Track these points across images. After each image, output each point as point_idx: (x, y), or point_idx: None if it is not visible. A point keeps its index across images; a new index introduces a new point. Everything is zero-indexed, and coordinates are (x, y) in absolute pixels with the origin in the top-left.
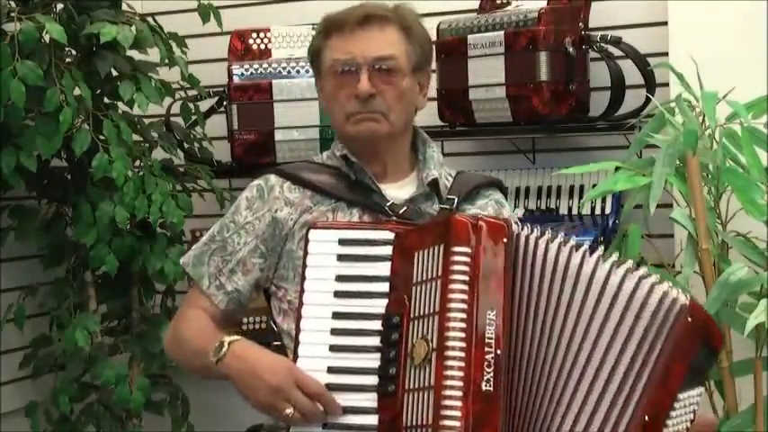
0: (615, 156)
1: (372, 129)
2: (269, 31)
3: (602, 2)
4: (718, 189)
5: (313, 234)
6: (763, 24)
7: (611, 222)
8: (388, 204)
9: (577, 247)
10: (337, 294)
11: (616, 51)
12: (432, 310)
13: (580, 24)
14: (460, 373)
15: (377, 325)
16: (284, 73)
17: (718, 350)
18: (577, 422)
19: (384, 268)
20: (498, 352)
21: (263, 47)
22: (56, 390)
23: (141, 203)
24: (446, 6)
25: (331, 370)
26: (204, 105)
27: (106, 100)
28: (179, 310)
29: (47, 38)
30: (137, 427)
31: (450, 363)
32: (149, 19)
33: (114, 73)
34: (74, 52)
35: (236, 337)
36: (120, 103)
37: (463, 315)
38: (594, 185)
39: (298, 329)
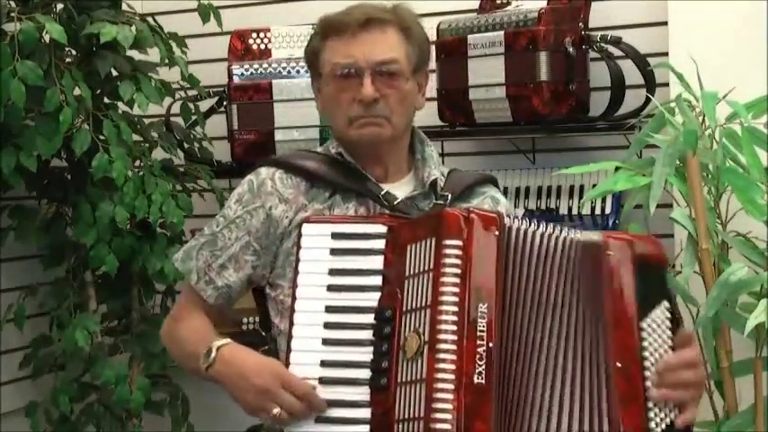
0: (615, 156)
1: (376, 133)
2: (269, 31)
3: (602, 2)
4: (718, 189)
5: (306, 228)
6: (763, 24)
7: (611, 222)
8: (382, 193)
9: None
10: (330, 288)
11: (616, 51)
12: (424, 304)
13: (580, 24)
14: (452, 366)
15: (370, 318)
16: (284, 73)
17: (658, 261)
18: (562, 408)
19: (377, 262)
20: (490, 345)
21: (263, 47)
22: (56, 390)
23: (141, 203)
24: (446, 6)
25: (324, 363)
26: (204, 105)
27: (106, 100)
28: (174, 305)
29: (47, 38)
30: (137, 427)
31: (441, 356)
32: (149, 19)
33: (114, 73)
34: (74, 52)
35: (225, 340)
36: (120, 103)
37: (455, 308)
38: (594, 185)
39: (291, 323)
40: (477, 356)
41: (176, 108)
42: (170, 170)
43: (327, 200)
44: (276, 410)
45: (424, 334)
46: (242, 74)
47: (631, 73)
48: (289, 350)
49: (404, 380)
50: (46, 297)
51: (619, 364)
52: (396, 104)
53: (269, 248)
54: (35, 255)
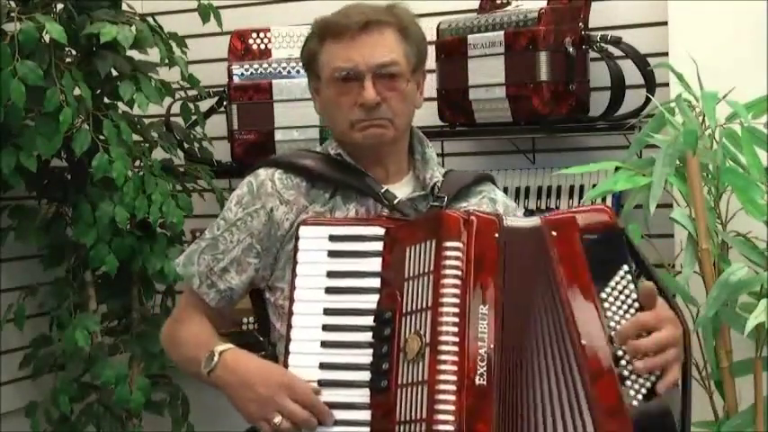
0: (615, 156)
1: (379, 134)
2: (269, 31)
3: (602, 2)
4: (718, 189)
5: (303, 231)
6: (763, 24)
7: None
8: (382, 191)
9: None
10: (328, 291)
11: (616, 51)
12: (424, 305)
13: (580, 24)
14: (454, 368)
15: (368, 321)
16: (284, 73)
17: (607, 228)
18: (552, 401)
19: (375, 264)
20: (491, 346)
21: (263, 47)
22: (56, 390)
23: (141, 203)
24: (446, 6)
25: (323, 366)
26: (204, 105)
27: (106, 100)
28: (175, 308)
29: (47, 38)
30: (137, 427)
31: (443, 357)
32: (149, 19)
33: (114, 73)
34: (74, 52)
35: (227, 345)
36: (120, 103)
37: (456, 310)
38: (594, 185)
39: (289, 326)
40: (479, 358)
41: (176, 108)
42: (170, 170)
43: (328, 201)
44: (278, 419)
45: (425, 335)
46: (242, 74)
47: (631, 73)
48: (287, 353)
49: (405, 382)
50: (46, 297)
51: (584, 342)
52: (397, 106)
53: (270, 250)
54: (35, 255)
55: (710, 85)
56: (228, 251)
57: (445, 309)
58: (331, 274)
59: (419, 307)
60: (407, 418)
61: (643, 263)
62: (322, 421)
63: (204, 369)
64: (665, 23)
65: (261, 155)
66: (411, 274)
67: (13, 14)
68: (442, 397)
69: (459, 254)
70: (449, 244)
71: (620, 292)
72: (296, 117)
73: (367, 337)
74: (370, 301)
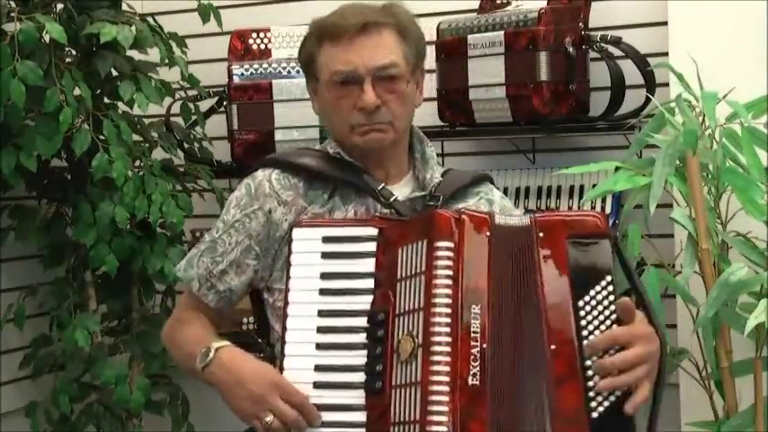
0: (615, 156)
1: (380, 138)
2: (269, 31)
3: (602, 2)
4: (718, 189)
5: (297, 233)
6: (763, 24)
7: (611, 222)
8: (379, 188)
9: None
10: (322, 292)
11: (616, 51)
12: (417, 306)
13: (580, 24)
14: (447, 368)
15: (363, 322)
16: (284, 73)
17: (596, 236)
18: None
19: (369, 264)
20: (484, 346)
21: (263, 47)
22: (56, 390)
23: (141, 203)
24: (446, 6)
25: (318, 368)
26: (204, 105)
27: (106, 100)
28: (176, 307)
29: (47, 38)
30: (137, 427)
31: (436, 358)
32: (149, 19)
33: (114, 73)
34: (74, 52)
35: (224, 342)
36: (120, 103)
37: (448, 310)
38: (594, 185)
39: (284, 328)
40: (472, 358)
41: (176, 108)
42: (170, 170)
43: (327, 202)
44: (269, 418)
45: (417, 336)
46: (242, 74)
47: (631, 73)
48: (282, 355)
49: (398, 383)
50: (46, 297)
51: (553, 347)
52: (397, 108)
53: (269, 251)
54: (35, 255)
55: (710, 85)
56: (227, 253)
57: (437, 309)
58: (325, 276)
59: (412, 308)
60: (402, 420)
61: (631, 275)
62: (310, 422)
63: (199, 364)
64: (665, 23)
65: (261, 155)
66: (404, 275)
67: (13, 14)
68: (435, 398)
69: (450, 253)
70: (440, 244)
71: (599, 302)
72: (296, 117)
73: (361, 338)
74: (364, 302)
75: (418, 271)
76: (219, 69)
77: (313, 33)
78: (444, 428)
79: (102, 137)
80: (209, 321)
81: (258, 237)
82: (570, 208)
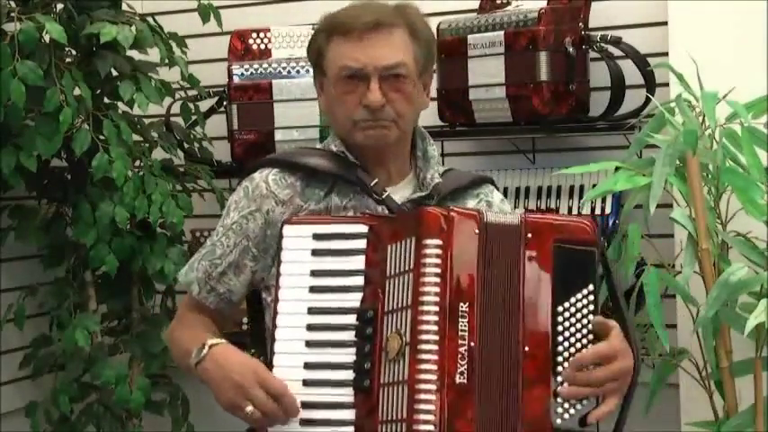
0: (615, 156)
1: (381, 135)
2: (269, 31)
3: (602, 2)
4: (718, 189)
5: (287, 230)
6: (763, 24)
7: (611, 222)
8: (372, 183)
9: None
10: (313, 290)
11: (616, 51)
12: (405, 304)
13: (580, 24)
14: (434, 367)
15: (352, 319)
16: (284, 73)
17: (583, 244)
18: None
19: (359, 262)
20: (472, 344)
21: (263, 47)
22: (56, 390)
23: (141, 203)
24: (446, 6)
25: (308, 366)
26: (204, 105)
27: (106, 100)
28: (178, 311)
29: (47, 38)
30: (137, 427)
31: (423, 356)
32: (149, 19)
33: (114, 73)
34: (74, 52)
35: (219, 340)
36: (120, 103)
37: (435, 308)
38: (594, 185)
39: (274, 326)
40: (459, 356)
41: (176, 108)
42: (170, 170)
43: (323, 199)
44: (249, 408)
45: (405, 334)
46: (242, 74)
47: (631, 73)
48: (272, 353)
49: (386, 381)
50: (46, 297)
51: (527, 348)
52: (402, 108)
53: (267, 251)
54: (35, 255)
55: (710, 85)
56: (225, 255)
57: (425, 307)
58: (315, 273)
59: (400, 305)
60: (389, 418)
61: (613, 288)
62: (287, 413)
63: (193, 360)
64: (665, 23)
65: (261, 155)
66: (392, 272)
67: (13, 14)
68: (421, 396)
69: (438, 251)
70: (428, 242)
71: (578, 310)
72: (296, 117)
73: (351, 335)
74: (354, 300)
75: (407, 269)
76: (219, 69)
77: (323, 28)
78: (431, 427)
79: (102, 137)
80: (211, 321)
81: (256, 238)
82: (570, 208)
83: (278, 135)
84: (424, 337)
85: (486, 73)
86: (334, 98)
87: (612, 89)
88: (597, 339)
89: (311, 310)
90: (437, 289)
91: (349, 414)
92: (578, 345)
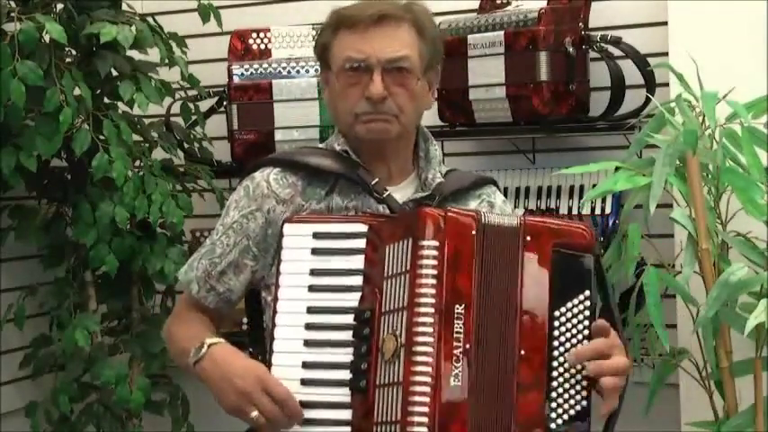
0: (615, 156)
1: (382, 129)
2: (269, 31)
3: (602, 2)
4: (718, 189)
5: (287, 228)
6: (763, 24)
7: (611, 222)
8: (373, 182)
9: None
10: (312, 289)
11: (616, 51)
12: (401, 305)
13: (580, 24)
14: (428, 369)
15: (350, 319)
16: (284, 73)
17: (581, 249)
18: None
19: (358, 261)
20: (467, 346)
21: (263, 47)
22: (56, 390)
23: (141, 203)
24: (446, 6)
25: (306, 365)
26: (204, 105)
27: (106, 100)
28: (175, 306)
29: (47, 38)
30: (137, 427)
31: (417, 358)
32: (149, 19)
33: (114, 73)
34: (74, 52)
35: (217, 339)
36: (120, 103)
37: (431, 310)
38: (594, 185)
39: (273, 324)
40: (454, 358)
41: (176, 108)
42: (170, 170)
43: (324, 198)
44: (255, 414)
45: (400, 336)
46: (242, 74)
47: (631, 73)
48: (271, 351)
49: (382, 382)
50: (46, 297)
51: (522, 352)
52: (404, 103)
53: (268, 251)
54: (35, 255)
55: (710, 85)
56: (225, 254)
57: (421, 309)
58: (314, 272)
59: (396, 306)
60: (384, 419)
61: (607, 296)
62: (291, 419)
63: (192, 359)
64: (665, 23)
65: (261, 155)
66: (390, 273)
67: (13, 14)
68: (416, 398)
69: (434, 252)
70: (425, 243)
71: (575, 315)
72: (296, 117)
73: (348, 336)
74: (353, 300)
75: (403, 270)
76: (219, 69)
77: (330, 23)
78: (424, 429)
79: (102, 137)
80: (209, 320)
81: (256, 238)
82: (570, 208)
83: (278, 135)
84: (420, 338)
85: (486, 73)
86: (337, 91)
87: (612, 89)
88: None
89: (310, 310)
90: (433, 291)
91: (346, 414)
92: (573, 350)
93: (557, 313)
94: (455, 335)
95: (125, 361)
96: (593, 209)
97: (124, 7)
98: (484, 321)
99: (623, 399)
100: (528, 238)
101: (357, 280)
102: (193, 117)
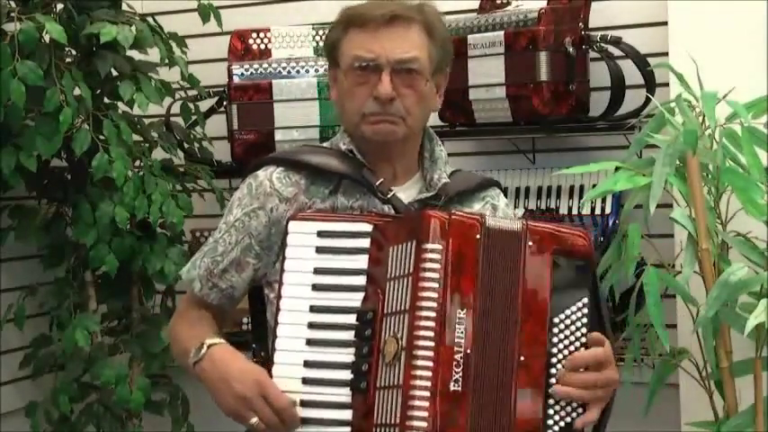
0: (615, 156)
1: (389, 131)
2: (269, 31)
3: (602, 2)
4: (718, 189)
5: (293, 226)
6: (763, 24)
7: (611, 222)
8: (377, 183)
9: None
10: (315, 287)
11: (616, 51)
12: (403, 308)
13: (580, 24)
14: (428, 373)
15: (353, 319)
16: (284, 73)
17: (582, 256)
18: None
19: (362, 261)
20: (468, 351)
21: (263, 47)
22: (56, 390)
23: (141, 203)
24: (446, 6)
25: (307, 364)
26: (204, 105)
27: (106, 100)
28: (179, 305)
29: (47, 38)
30: (137, 427)
31: (418, 362)
32: (149, 19)
33: (114, 73)
34: (74, 52)
35: (218, 339)
36: (120, 103)
37: (433, 314)
38: (594, 185)
39: (276, 323)
40: (455, 363)
41: (176, 108)
42: (170, 170)
43: (328, 197)
44: (254, 420)
45: (401, 339)
46: (242, 74)
47: (631, 73)
48: (273, 350)
49: (382, 384)
50: (46, 297)
51: (522, 357)
52: (412, 105)
53: (271, 249)
54: (35, 255)
55: (710, 85)
56: (227, 252)
57: (422, 313)
58: (318, 271)
59: (398, 309)
60: (383, 422)
61: (598, 303)
62: (289, 428)
63: (191, 359)
64: (665, 23)
65: (261, 155)
66: (393, 275)
67: (13, 14)
68: (415, 403)
69: (437, 256)
70: (428, 246)
71: (573, 322)
72: (296, 117)
73: (351, 335)
74: (356, 299)
75: (406, 272)
76: (219, 69)
77: (340, 20)
78: None
79: (102, 137)
80: (212, 318)
81: (259, 236)
82: (570, 208)
83: (278, 135)
84: (420, 342)
85: (486, 73)
86: (345, 90)
87: (612, 89)
88: None
89: (313, 309)
90: (435, 295)
91: (346, 414)
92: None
93: (556, 320)
94: (456, 340)
95: (125, 361)
96: (593, 209)
97: (124, 7)
98: (485, 326)
99: (609, 413)
100: (530, 243)
101: (360, 280)
102: (193, 117)
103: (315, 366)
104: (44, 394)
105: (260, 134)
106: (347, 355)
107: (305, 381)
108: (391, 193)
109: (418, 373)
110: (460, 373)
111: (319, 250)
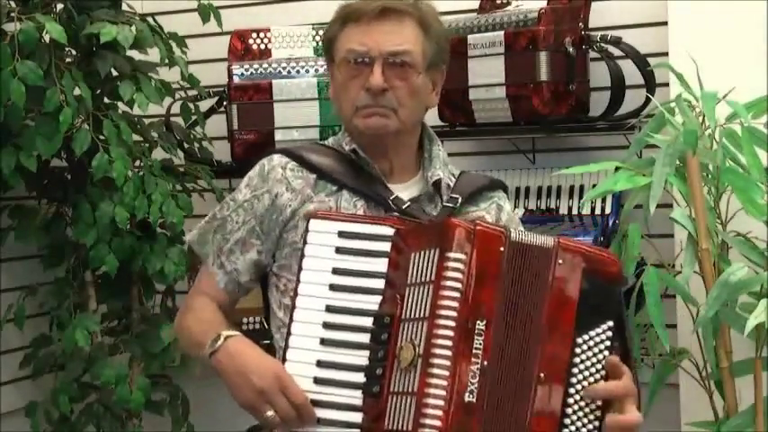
0: (615, 156)
1: (381, 124)
2: (269, 31)
3: (602, 2)
4: (718, 189)
5: (313, 224)
6: (763, 24)
7: (611, 222)
8: (391, 198)
9: None
10: (333, 287)
11: (616, 51)
12: (422, 315)
13: (580, 24)
14: (444, 383)
15: (369, 322)
16: (284, 73)
17: (611, 279)
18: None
19: (381, 264)
20: (485, 363)
21: (263, 47)
22: (56, 390)
23: (141, 203)
24: (446, 6)
25: (320, 364)
26: (204, 105)
27: (106, 100)
28: (188, 295)
29: (47, 38)
30: (137, 427)
31: (434, 371)
32: (149, 19)
33: (114, 73)
34: (74, 52)
35: (234, 332)
36: (120, 103)
37: (452, 323)
38: (594, 185)
39: (291, 320)
40: (471, 374)
41: (176, 108)
42: (170, 170)
43: (334, 193)
44: (270, 413)
45: (419, 346)
46: (242, 74)
47: (631, 73)
48: (286, 347)
49: (396, 390)
50: (46, 297)
51: (542, 375)
52: (404, 97)
53: (270, 234)
54: (35, 255)
55: (710, 85)
56: (234, 231)
57: (441, 321)
58: (336, 271)
59: (417, 315)
60: (395, 428)
61: (624, 329)
62: (306, 423)
63: (208, 350)
64: (665, 23)
65: (261, 155)
66: (413, 281)
67: (13, 14)
68: (428, 411)
69: (460, 265)
70: (451, 255)
71: (596, 344)
72: (296, 117)
73: (366, 338)
74: (373, 302)
75: (427, 279)
76: (219, 69)
77: (338, 17)
78: None
79: (102, 137)
80: (220, 310)
81: (261, 218)
82: (570, 208)
83: (278, 135)
84: (438, 351)
85: (486, 73)
86: (339, 83)
87: (612, 89)
88: (607, 380)
89: (329, 308)
90: (455, 304)
91: (357, 417)
92: (591, 379)
93: (579, 340)
94: (474, 350)
95: (125, 361)
96: (593, 209)
97: (124, 7)
98: (505, 339)
99: None
100: (560, 261)
101: (379, 283)
102: (193, 117)
103: (328, 367)
104: (44, 394)
105: (260, 134)
106: (361, 358)
107: (317, 380)
108: (406, 205)
109: (434, 381)
110: (476, 385)
111: (339, 250)
